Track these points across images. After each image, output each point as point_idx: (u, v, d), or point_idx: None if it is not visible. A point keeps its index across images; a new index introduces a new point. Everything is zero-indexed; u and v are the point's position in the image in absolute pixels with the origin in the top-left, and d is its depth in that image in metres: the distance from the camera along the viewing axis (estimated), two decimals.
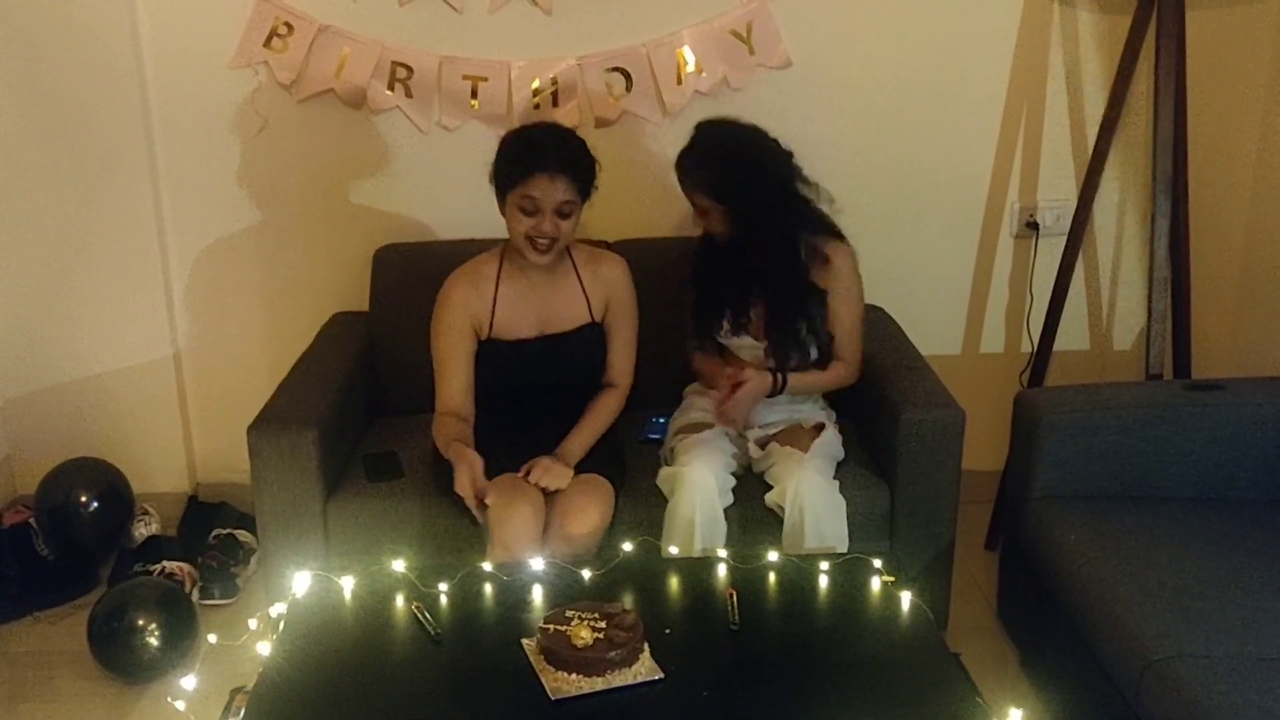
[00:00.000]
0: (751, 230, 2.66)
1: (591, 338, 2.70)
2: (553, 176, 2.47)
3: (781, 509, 2.49)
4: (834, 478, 2.56)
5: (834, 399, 2.86)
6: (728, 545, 2.44)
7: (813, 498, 2.44)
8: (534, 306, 2.65)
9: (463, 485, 2.41)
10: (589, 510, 2.43)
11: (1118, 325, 3.37)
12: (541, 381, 2.66)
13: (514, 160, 2.53)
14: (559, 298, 2.67)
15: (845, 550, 2.43)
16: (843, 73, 3.14)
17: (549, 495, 2.46)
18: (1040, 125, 3.20)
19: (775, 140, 2.68)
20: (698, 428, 2.69)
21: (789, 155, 2.70)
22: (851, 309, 2.74)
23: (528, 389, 2.66)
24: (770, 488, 2.57)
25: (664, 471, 2.60)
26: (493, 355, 2.63)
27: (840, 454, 2.67)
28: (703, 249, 2.80)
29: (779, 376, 2.67)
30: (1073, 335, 3.33)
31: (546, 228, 2.50)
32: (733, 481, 2.58)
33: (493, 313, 2.63)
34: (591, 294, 2.69)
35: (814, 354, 2.71)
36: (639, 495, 2.60)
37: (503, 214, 2.57)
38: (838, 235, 2.76)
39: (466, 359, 2.62)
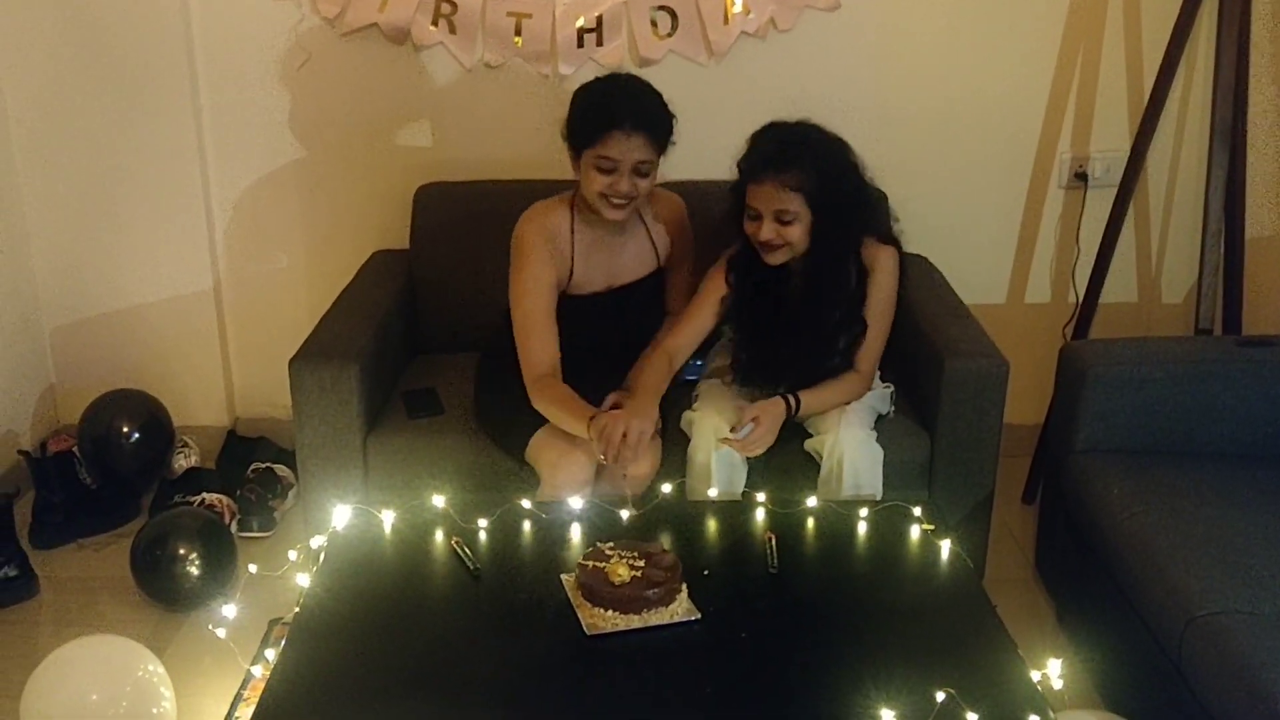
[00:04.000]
0: (829, 247, 2.45)
1: (660, 284, 2.68)
2: (629, 134, 2.38)
3: (819, 455, 2.47)
4: (873, 427, 2.53)
5: None
6: (763, 487, 2.42)
7: (852, 449, 2.42)
8: (605, 260, 2.60)
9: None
10: (641, 460, 2.39)
11: (1166, 278, 3.31)
12: (613, 333, 2.61)
13: (589, 118, 2.43)
14: (628, 249, 2.62)
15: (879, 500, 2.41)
16: (892, 15, 3.08)
17: None
18: (1096, 72, 3.13)
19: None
20: (727, 371, 2.66)
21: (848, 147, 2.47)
22: (884, 322, 2.55)
23: (599, 341, 2.60)
24: (806, 432, 2.55)
25: (686, 415, 2.59)
26: (566, 311, 2.55)
27: (884, 406, 2.63)
28: (744, 276, 2.53)
29: (792, 400, 2.49)
30: (1120, 288, 3.27)
31: (624, 187, 2.42)
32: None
33: (571, 270, 2.56)
34: (658, 239, 2.66)
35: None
36: (673, 437, 2.59)
37: (575, 170, 2.49)
38: (887, 237, 2.57)
39: (553, 314, 2.51)
